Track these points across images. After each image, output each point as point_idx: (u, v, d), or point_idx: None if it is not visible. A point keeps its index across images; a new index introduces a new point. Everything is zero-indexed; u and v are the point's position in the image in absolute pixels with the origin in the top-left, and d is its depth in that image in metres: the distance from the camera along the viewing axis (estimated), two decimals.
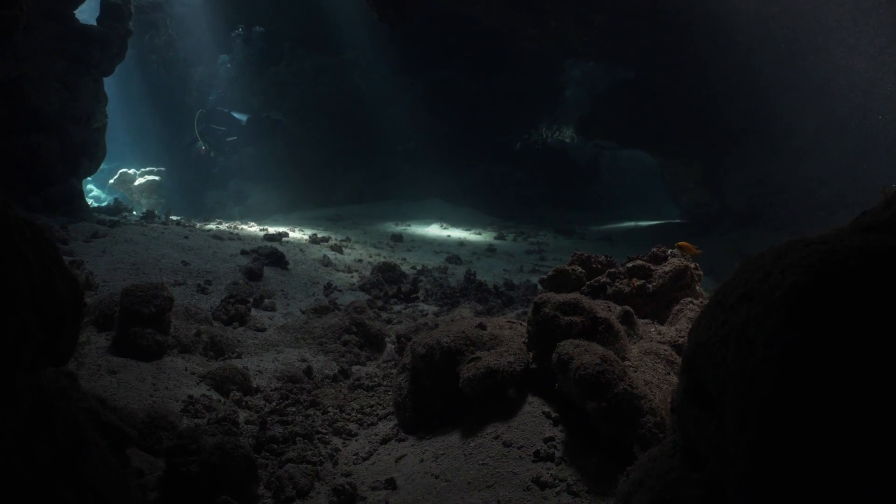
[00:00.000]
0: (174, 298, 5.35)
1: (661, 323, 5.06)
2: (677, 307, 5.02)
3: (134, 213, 16.59)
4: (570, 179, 25.69)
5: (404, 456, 3.64)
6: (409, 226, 17.81)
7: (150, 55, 23.77)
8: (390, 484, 3.33)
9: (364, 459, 3.77)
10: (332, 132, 22.51)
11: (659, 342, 4.32)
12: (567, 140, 28.71)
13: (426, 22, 19.24)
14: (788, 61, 14.93)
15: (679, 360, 4.12)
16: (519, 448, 3.30)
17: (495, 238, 16.51)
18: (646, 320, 4.99)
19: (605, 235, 18.26)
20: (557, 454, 3.24)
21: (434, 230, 17.53)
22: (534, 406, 3.56)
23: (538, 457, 3.23)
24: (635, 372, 3.72)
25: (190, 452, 3.09)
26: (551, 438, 3.33)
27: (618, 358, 3.46)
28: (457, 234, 16.94)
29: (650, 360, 3.96)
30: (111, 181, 21.98)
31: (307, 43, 22.84)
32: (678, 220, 21.15)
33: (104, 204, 19.06)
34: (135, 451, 3.43)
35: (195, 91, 24.10)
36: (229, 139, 21.94)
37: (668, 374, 3.91)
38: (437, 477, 3.27)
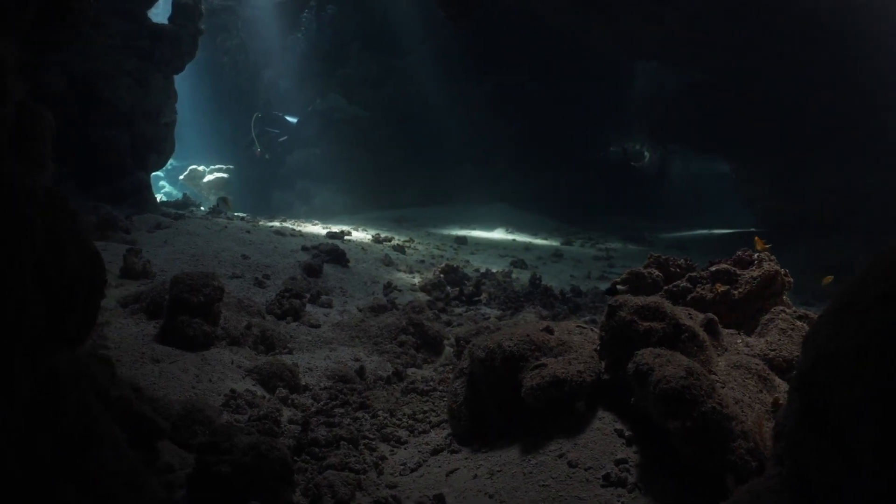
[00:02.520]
0: (225, 289, 5.17)
1: (748, 334, 4.54)
2: (767, 316, 4.48)
3: (202, 208, 16.85)
4: (638, 185, 24.87)
5: (456, 470, 3.27)
6: (474, 229, 17.48)
7: (223, 57, 24.32)
8: (439, 500, 2.98)
9: (412, 471, 3.43)
10: (399, 135, 22.46)
11: (748, 355, 3.82)
12: (637, 146, 27.82)
13: (491, 23, 18.89)
14: (873, 58, 13.83)
15: (772, 376, 3.63)
16: (586, 469, 2.89)
17: (562, 243, 15.99)
18: (731, 330, 4.48)
19: (676, 243, 17.49)
20: (630, 479, 2.82)
21: (499, 234, 17.16)
22: (605, 422, 3.14)
23: (608, 481, 2.82)
24: (723, 388, 3.26)
25: (222, 451, 2.83)
26: (624, 460, 2.91)
27: (704, 371, 3.01)
28: (522, 238, 16.51)
29: (739, 374, 3.48)
30: (181, 177, 22.51)
31: (374, 46, 22.88)
32: (752, 229, 20.07)
33: (174, 199, 19.51)
34: (167, 445, 3.20)
35: (264, 92, 24.48)
36: (281, 139, 22.17)
37: (761, 391, 3.42)
38: (491, 496, 2.90)
